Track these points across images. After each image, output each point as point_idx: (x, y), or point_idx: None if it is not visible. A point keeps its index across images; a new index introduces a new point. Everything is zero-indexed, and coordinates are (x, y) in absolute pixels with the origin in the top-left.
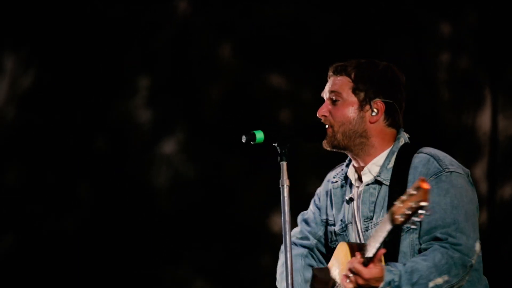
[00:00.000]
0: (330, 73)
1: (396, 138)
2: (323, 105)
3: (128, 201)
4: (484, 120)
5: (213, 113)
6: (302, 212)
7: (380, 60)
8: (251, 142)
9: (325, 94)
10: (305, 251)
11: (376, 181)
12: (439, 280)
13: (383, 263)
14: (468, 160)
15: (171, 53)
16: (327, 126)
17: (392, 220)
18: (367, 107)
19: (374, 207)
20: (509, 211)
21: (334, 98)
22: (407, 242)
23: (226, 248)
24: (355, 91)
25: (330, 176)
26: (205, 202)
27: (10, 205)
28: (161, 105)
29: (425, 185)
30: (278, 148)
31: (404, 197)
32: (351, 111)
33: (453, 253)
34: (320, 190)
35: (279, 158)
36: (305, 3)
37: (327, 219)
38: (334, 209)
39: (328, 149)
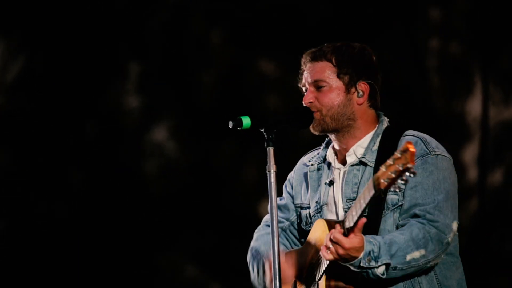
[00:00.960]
0: (305, 61)
1: (379, 121)
2: (308, 93)
3: (118, 187)
4: (475, 106)
5: (203, 100)
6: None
7: (372, 46)
8: (238, 128)
9: (306, 83)
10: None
11: (361, 163)
12: (416, 254)
13: None
14: (458, 146)
15: (162, 40)
16: (314, 111)
17: (377, 185)
18: (353, 89)
19: (358, 188)
20: (499, 197)
21: (319, 85)
22: (391, 220)
23: (216, 233)
24: (339, 75)
25: (305, 160)
26: (196, 188)
27: (0, 191)
28: (152, 92)
29: (412, 148)
30: (265, 134)
31: (389, 161)
32: (339, 95)
33: (429, 229)
34: (293, 176)
35: (265, 143)
36: None
37: (301, 204)
38: (309, 191)
39: (316, 133)
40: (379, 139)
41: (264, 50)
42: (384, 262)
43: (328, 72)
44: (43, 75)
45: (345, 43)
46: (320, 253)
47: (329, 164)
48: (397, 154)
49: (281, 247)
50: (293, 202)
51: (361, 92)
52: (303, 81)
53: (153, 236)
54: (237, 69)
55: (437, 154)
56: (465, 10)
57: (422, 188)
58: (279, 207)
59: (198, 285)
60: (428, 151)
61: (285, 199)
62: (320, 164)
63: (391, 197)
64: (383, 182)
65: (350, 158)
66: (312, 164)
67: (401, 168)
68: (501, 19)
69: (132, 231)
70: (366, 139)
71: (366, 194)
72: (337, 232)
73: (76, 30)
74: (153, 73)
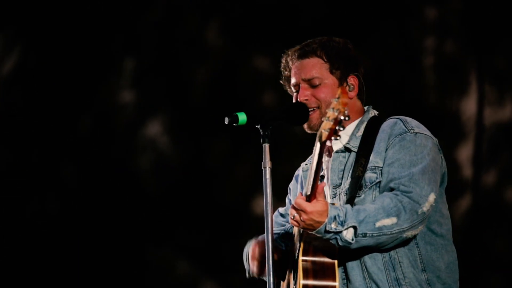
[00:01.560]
0: (292, 58)
1: (365, 110)
2: (302, 90)
3: (111, 183)
4: (469, 105)
5: (197, 95)
6: (278, 208)
7: (366, 44)
8: (234, 124)
9: (298, 81)
10: (282, 231)
11: (346, 149)
12: (387, 221)
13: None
14: (452, 145)
15: (156, 35)
16: (312, 109)
17: (320, 137)
18: (345, 84)
19: (343, 173)
20: (493, 197)
21: (313, 82)
22: (370, 198)
23: (209, 230)
24: (331, 70)
25: (302, 165)
26: (189, 184)
27: None
28: (145, 87)
29: (343, 90)
30: (260, 130)
31: (328, 111)
32: (333, 91)
33: (402, 198)
34: (291, 185)
35: (261, 140)
36: None
37: None
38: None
39: (312, 132)
40: (363, 125)
41: (259, 46)
42: (350, 225)
43: (320, 69)
44: (37, 70)
45: (330, 38)
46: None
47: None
48: (333, 101)
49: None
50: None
51: (351, 86)
52: (293, 79)
53: (145, 232)
54: (232, 65)
55: (416, 132)
56: (460, 8)
57: (399, 163)
58: (282, 215)
59: (190, 281)
60: (406, 129)
61: (287, 205)
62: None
63: (369, 175)
64: (324, 132)
65: (336, 146)
66: (305, 165)
67: (336, 113)
68: (497, 18)
69: (124, 227)
70: (351, 127)
71: (315, 153)
72: (299, 198)
73: (70, 25)
74: (147, 69)
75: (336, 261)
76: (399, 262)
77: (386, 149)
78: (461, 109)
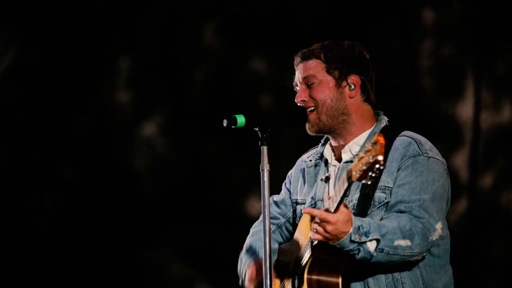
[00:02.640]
0: (297, 62)
1: (377, 120)
2: (299, 91)
3: (108, 183)
4: (467, 109)
5: (195, 96)
6: (272, 196)
7: (364, 46)
8: (232, 126)
9: (298, 82)
10: (273, 226)
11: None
12: (403, 243)
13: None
14: (449, 148)
15: (154, 35)
16: (309, 109)
17: (349, 177)
18: (344, 83)
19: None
20: (489, 201)
21: (309, 82)
22: (377, 218)
23: (205, 231)
24: (329, 70)
25: (304, 157)
26: (185, 185)
27: None
28: (143, 87)
29: (381, 139)
30: (259, 133)
31: (361, 154)
32: (330, 89)
33: (416, 223)
34: (292, 172)
35: (260, 142)
36: None
37: (296, 200)
38: (306, 187)
39: (313, 133)
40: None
41: (257, 48)
42: (375, 237)
43: (317, 68)
44: (34, 69)
45: (334, 41)
46: (310, 235)
47: (326, 161)
48: (368, 146)
49: (275, 245)
50: (290, 198)
51: (352, 86)
52: (295, 80)
53: (141, 232)
54: (229, 66)
55: (430, 156)
56: (459, 12)
57: (409, 186)
58: (276, 203)
59: (186, 282)
60: (420, 152)
61: (283, 194)
62: (317, 161)
63: (378, 194)
64: (355, 174)
65: (346, 155)
66: (310, 160)
67: (371, 160)
68: (496, 22)
69: (121, 227)
70: (362, 137)
71: (341, 187)
72: (322, 211)
73: (68, 24)
74: (145, 69)
75: (340, 281)
76: (402, 283)
77: (398, 170)
78: (458, 112)
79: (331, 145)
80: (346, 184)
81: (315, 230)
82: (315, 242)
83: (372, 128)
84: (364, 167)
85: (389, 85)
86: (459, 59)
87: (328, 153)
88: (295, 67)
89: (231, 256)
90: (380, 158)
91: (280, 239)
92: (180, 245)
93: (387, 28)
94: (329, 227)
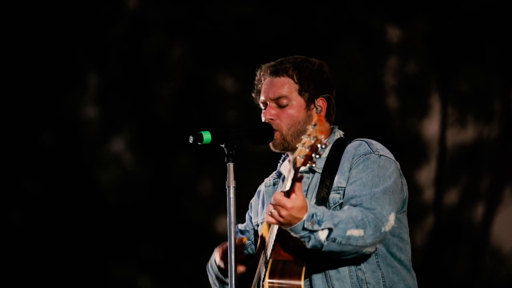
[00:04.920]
0: (264, 73)
1: (332, 132)
2: (268, 108)
3: (75, 197)
4: (432, 126)
5: (161, 112)
6: (237, 224)
7: (328, 64)
8: (199, 143)
9: (267, 99)
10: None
11: (310, 170)
12: (356, 232)
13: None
14: (414, 165)
15: (121, 51)
16: (275, 129)
17: (295, 164)
18: (312, 105)
19: (306, 194)
20: (454, 216)
21: (281, 102)
22: None
23: (171, 246)
24: (300, 92)
25: (265, 180)
26: (151, 200)
27: None
28: (110, 103)
29: (321, 119)
30: (225, 149)
31: (303, 138)
32: (299, 113)
33: (367, 213)
34: (252, 199)
35: (226, 159)
36: (256, 4)
37: (257, 221)
38: (265, 207)
39: (277, 151)
40: (329, 148)
41: (223, 65)
42: (327, 226)
43: (289, 89)
44: (0, 84)
45: (304, 58)
46: (265, 219)
47: (283, 178)
48: (309, 128)
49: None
50: (251, 222)
51: (319, 108)
52: (262, 96)
53: (108, 247)
54: (196, 83)
55: (381, 155)
56: (424, 30)
57: (361, 182)
58: (241, 232)
59: None
60: (371, 151)
61: (246, 221)
62: (276, 179)
63: (333, 196)
64: (299, 159)
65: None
66: (269, 181)
67: (312, 141)
68: (459, 40)
69: (87, 241)
70: None
71: (289, 177)
72: (278, 194)
73: (34, 38)
74: (112, 84)
75: (302, 283)
76: (367, 284)
77: (350, 169)
78: (424, 130)
79: (289, 161)
80: (292, 172)
81: (269, 213)
82: (272, 244)
83: (326, 140)
84: (307, 150)
85: (353, 102)
86: (424, 76)
87: (285, 169)
88: (261, 78)
89: (197, 271)
90: (321, 136)
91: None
92: (146, 259)
93: (352, 46)
94: (283, 212)
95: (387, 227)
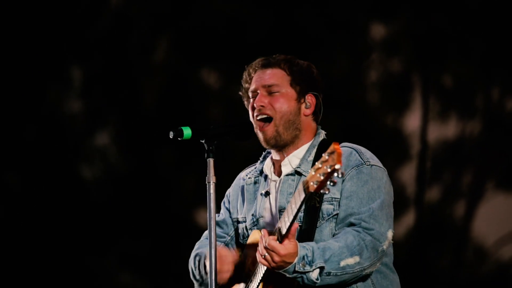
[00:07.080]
0: (256, 67)
1: (316, 133)
2: (260, 96)
3: (58, 191)
4: (414, 121)
5: (146, 107)
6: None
7: (311, 60)
8: (179, 138)
9: (258, 86)
10: (221, 244)
11: (296, 172)
12: (351, 260)
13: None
14: (396, 162)
15: (105, 45)
16: (262, 117)
17: (306, 188)
18: (302, 99)
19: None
20: (436, 214)
21: (272, 90)
22: (327, 231)
23: (153, 240)
24: (292, 84)
25: (242, 175)
26: (134, 194)
27: None
28: (94, 97)
29: (338, 149)
30: (205, 145)
31: (317, 164)
32: (290, 102)
33: (364, 236)
34: (230, 191)
35: (206, 154)
36: (240, 0)
37: (237, 218)
38: (246, 205)
39: (268, 147)
40: (315, 150)
41: (207, 61)
42: (318, 265)
43: (282, 79)
44: None
45: (294, 57)
46: (258, 261)
47: (265, 177)
48: (325, 156)
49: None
50: (230, 217)
51: (308, 104)
52: (253, 85)
53: (90, 241)
54: (180, 78)
55: (372, 165)
56: (407, 26)
57: (357, 197)
58: (217, 223)
59: None
60: (363, 161)
61: (223, 214)
62: (256, 178)
63: (326, 206)
64: (312, 185)
65: (286, 169)
66: (249, 178)
67: (329, 170)
68: (442, 35)
69: (69, 236)
70: (302, 150)
71: (297, 199)
72: (272, 240)
73: (18, 33)
74: (96, 79)
75: None
76: None
77: (343, 181)
78: (405, 126)
79: (272, 160)
80: (303, 195)
81: (263, 256)
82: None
83: (311, 141)
84: (322, 178)
85: (335, 99)
86: (407, 72)
87: (267, 168)
88: (251, 73)
89: (180, 265)
90: (338, 167)
91: None
92: (128, 254)
93: (334, 42)
94: (276, 258)
95: (385, 246)
